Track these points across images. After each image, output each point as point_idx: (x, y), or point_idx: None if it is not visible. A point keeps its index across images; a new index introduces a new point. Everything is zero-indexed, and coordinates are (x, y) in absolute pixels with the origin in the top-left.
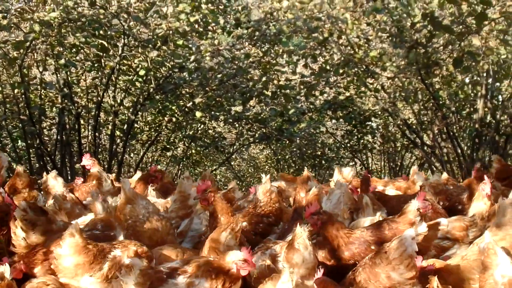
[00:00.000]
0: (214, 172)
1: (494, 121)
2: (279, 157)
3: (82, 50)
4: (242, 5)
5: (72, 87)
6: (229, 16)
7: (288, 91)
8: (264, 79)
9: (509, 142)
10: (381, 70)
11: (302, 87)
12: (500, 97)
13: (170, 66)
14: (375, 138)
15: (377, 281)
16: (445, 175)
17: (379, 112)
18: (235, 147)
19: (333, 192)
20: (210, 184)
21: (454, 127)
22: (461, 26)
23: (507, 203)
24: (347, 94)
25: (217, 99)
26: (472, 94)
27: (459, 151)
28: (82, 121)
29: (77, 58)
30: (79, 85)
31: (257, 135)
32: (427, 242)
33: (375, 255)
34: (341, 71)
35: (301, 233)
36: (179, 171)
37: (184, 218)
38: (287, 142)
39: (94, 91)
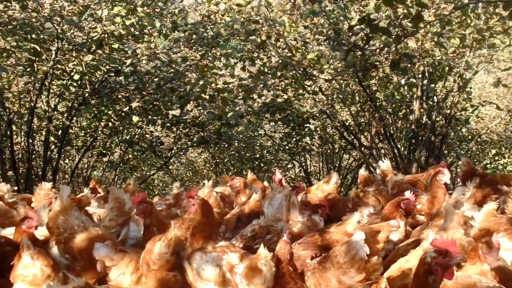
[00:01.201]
0: (152, 177)
1: (430, 122)
2: (218, 160)
3: (13, 54)
4: (178, 8)
5: (3, 93)
6: (165, 19)
7: (226, 94)
8: (201, 82)
9: (445, 142)
10: (318, 72)
11: (240, 90)
12: (435, 98)
13: (105, 70)
14: (313, 140)
15: (328, 286)
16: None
17: (317, 114)
18: (173, 151)
19: (274, 196)
20: (146, 195)
21: (391, 128)
22: (397, 29)
23: (452, 207)
24: (285, 96)
25: (154, 103)
26: (408, 95)
27: (396, 151)
28: (14, 127)
29: (8, 62)
30: (11, 90)
31: (195, 139)
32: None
33: (324, 259)
34: (279, 73)
35: (266, 254)
36: (116, 176)
37: (124, 225)
38: (226, 145)
39: (27, 96)
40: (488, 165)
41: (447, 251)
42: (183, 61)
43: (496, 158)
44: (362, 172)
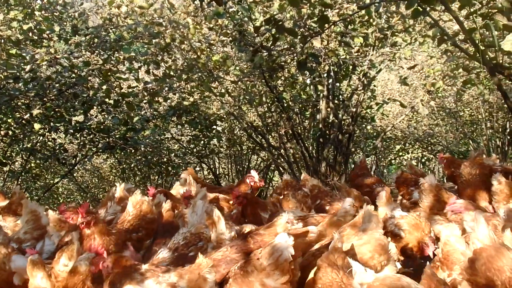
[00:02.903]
0: (56, 185)
1: (336, 121)
2: (124, 166)
3: None
4: (78, 12)
5: None
6: (65, 23)
7: (131, 98)
8: (105, 87)
9: (352, 140)
10: (224, 74)
11: (145, 94)
12: (341, 97)
13: (3, 76)
14: (221, 142)
15: None
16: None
17: (225, 116)
18: (77, 158)
19: (196, 203)
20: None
21: (299, 127)
22: (302, 29)
23: (371, 210)
24: (192, 99)
25: (56, 109)
26: (314, 95)
27: (305, 150)
28: None
29: None
30: None
31: (100, 145)
32: (295, 250)
33: (246, 263)
34: (184, 76)
35: (207, 262)
36: (18, 186)
37: (39, 239)
38: (132, 150)
39: None
40: (393, 161)
41: None
42: (85, 66)
43: (400, 153)
44: (286, 177)
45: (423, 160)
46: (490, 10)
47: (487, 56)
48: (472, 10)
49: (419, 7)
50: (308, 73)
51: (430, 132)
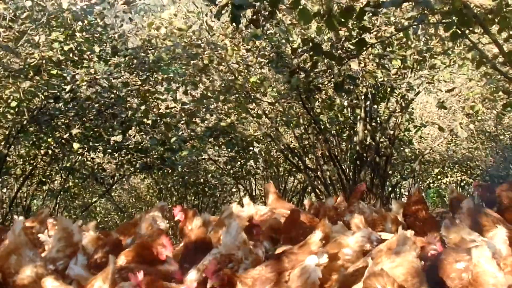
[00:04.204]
0: (94, 204)
1: (374, 143)
2: (161, 186)
3: None
4: (118, 33)
5: None
6: (105, 44)
7: (169, 119)
8: (143, 107)
9: (389, 163)
10: (262, 95)
11: (183, 114)
12: (378, 119)
13: (44, 96)
14: (258, 163)
15: None
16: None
17: (261, 138)
18: (115, 178)
19: (230, 224)
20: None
21: (335, 150)
22: (340, 51)
23: (405, 233)
24: (229, 120)
25: (95, 129)
26: (351, 117)
27: (341, 173)
28: None
29: None
30: None
31: (138, 165)
32: (327, 272)
33: (274, 285)
34: (222, 97)
35: None
36: (57, 205)
37: (72, 256)
38: (169, 170)
39: None
40: (431, 184)
41: None
42: (124, 86)
43: (439, 177)
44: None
45: (462, 184)
46: None
47: None
48: (511, 32)
49: (457, 30)
50: (345, 95)
51: (469, 156)
